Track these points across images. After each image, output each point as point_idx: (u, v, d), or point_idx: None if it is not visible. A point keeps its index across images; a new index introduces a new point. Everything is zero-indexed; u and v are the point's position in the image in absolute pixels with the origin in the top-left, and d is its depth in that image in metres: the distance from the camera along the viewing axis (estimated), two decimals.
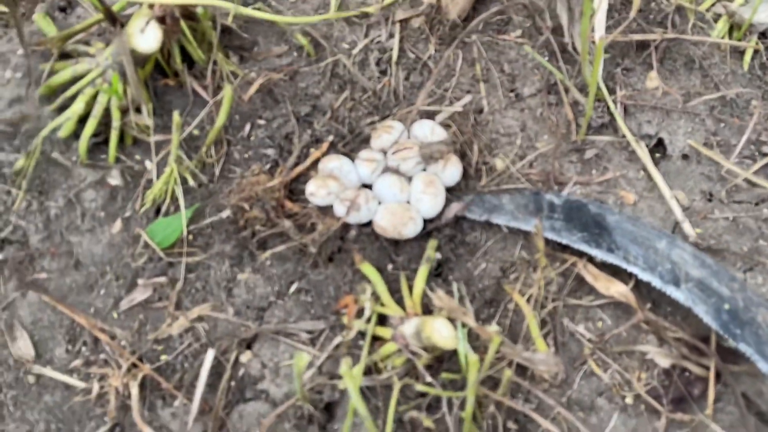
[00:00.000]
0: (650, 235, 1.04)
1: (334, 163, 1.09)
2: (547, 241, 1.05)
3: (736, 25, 1.23)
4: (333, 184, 1.06)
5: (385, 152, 1.12)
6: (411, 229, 1.06)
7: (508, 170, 1.13)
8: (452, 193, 1.11)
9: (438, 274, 1.08)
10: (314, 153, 1.14)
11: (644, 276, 1.01)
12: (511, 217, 1.08)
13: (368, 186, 1.11)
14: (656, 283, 1.01)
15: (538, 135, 1.17)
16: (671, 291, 1.00)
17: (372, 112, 1.18)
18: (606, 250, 1.04)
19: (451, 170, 1.10)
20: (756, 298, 0.99)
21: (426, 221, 1.08)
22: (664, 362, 0.99)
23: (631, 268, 1.02)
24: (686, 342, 0.99)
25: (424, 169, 1.11)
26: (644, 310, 1.02)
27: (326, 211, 1.08)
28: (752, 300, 0.98)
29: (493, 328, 0.88)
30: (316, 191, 1.06)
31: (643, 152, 1.10)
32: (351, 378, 0.75)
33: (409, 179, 1.10)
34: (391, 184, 1.08)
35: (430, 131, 1.12)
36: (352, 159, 1.11)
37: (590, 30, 1.11)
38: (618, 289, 1.02)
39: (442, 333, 0.89)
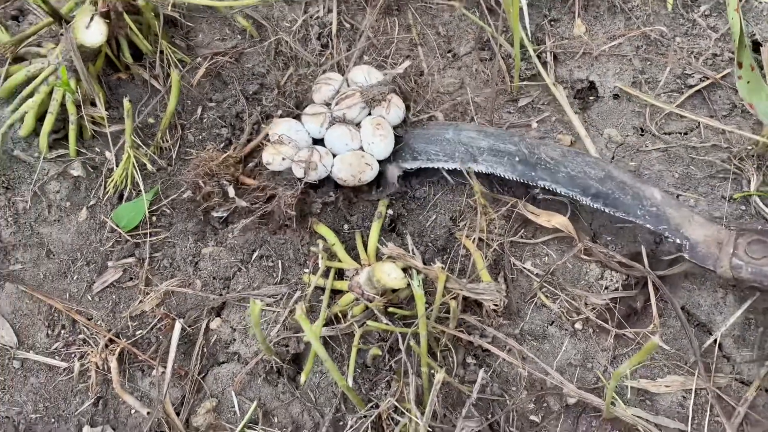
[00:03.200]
0: (438, 131, 1.14)
1: (282, 126, 1.12)
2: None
3: None
4: (285, 149, 1.10)
5: (329, 104, 1.15)
6: (369, 174, 1.10)
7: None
8: (396, 130, 1.15)
9: (392, 229, 1.14)
10: (265, 129, 1.20)
11: (448, 165, 1.12)
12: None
13: (320, 141, 1.14)
14: (459, 166, 1.11)
15: (476, 90, 1.23)
16: (474, 167, 1.11)
17: None
18: (411, 159, 1.14)
19: (395, 110, 1.14)
20: (534, 141, 1.11)
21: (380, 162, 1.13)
22: (603, 296, 1.06)
23: (436, 164, 1.13)
24: (624, 264, 1.05)
25: (369, 114, 1.15)
26: (584, 239, 1.08)
27: (281, 180, 1.14)
28: (532, 144, 1.10)
29: (437, 266, 0.94)
30: (271, 159, 1.10)
31: (560, 95, 1.16)
32: (304, 320, 0.81)
33: (357, 126, 1.14)
34: (341, 134, 1.11)
35: (367, 75, 1.16)
36: (299, 120, 1.15)
37: None
38: (558, 221, 1.09)
39: (390, 275, 0.95)
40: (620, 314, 1.05)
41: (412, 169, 1.15)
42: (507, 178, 1.10)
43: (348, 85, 1.16)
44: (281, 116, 1.20)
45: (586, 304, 1.05)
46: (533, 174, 1.09)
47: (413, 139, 1.15)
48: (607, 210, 1.05)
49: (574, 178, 1.07)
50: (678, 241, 1.02)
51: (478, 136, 1.12)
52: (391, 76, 1.16)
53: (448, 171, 1.14)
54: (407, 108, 1.17)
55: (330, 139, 1.12)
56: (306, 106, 1.22)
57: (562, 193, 1.08)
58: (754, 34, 1.24)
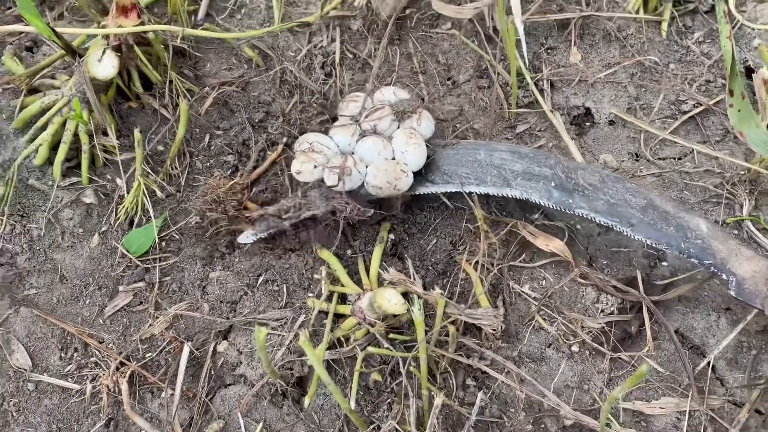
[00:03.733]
0: (469, 152, 1.09)
1: (310, 139, 1.11)
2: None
3: None
4: (317, 156, 1.08)
5: (356, 120, 1.14)
6: (405, 182, 1.09)
7: None
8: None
9: (394, 253, 1.17)
10: (271, 155, 1.24)
11: (480, 190, 1.07)
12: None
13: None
14: (493, 191, 1.06)
15: (474, 116, 1.26)
16: (507, 192, 1.05)
17: (321, 112, 1.27)
18: (442, 183, 1.09)
19: (426, 122, 1.14)
20: (571, 164, 1.06)
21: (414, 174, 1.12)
22: (599, 319, 1.09)
23: (467, 189, 1.07)
24: (619, 289, 1.08)
25: (398, 127, 1.15)
26: (580, 264, 1.11)
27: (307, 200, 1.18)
28: (569, 168, 1.05)
29: (436, 291, 0.98)
30: (302, 168, 1.07)
31: (557, 121, 1.20)
32: (307, 345, 0.84)
33: (388, 139, 1.13)
34: (373, 144, 1.10)
35: (393, 94, 1.17)
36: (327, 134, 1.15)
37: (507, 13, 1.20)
38: (555, 245, 1.12)
39: (391, 301, 0.98)
40: (615, 338, 1.07)
41: (431, 193, 1.12)
42: (542, 204, 1.06)
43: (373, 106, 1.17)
44: (286, 144, 1.24)
45: (582, 327, 1.08)
46: (570, 201, 1.04)
47: (443, 160, 1.11)
48: (648, 242, 1.01)
49: (614, 206, 1.02)
50: (724, 276, 0.98)
51: (511, 157, 1.08)
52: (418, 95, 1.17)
53: (448, 196, 1.17)
54: None
55: (361, 150, 1.11)
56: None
57: (601, 222, 1.03)
58: (746, 60, 1.27)
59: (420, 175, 1.12)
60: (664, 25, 1.31)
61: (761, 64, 1.25)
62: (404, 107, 1.14)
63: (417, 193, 1.13)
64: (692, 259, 1.00)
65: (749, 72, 1.25)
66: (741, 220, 1.12)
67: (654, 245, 1.02)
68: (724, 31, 1.27)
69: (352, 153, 1.12)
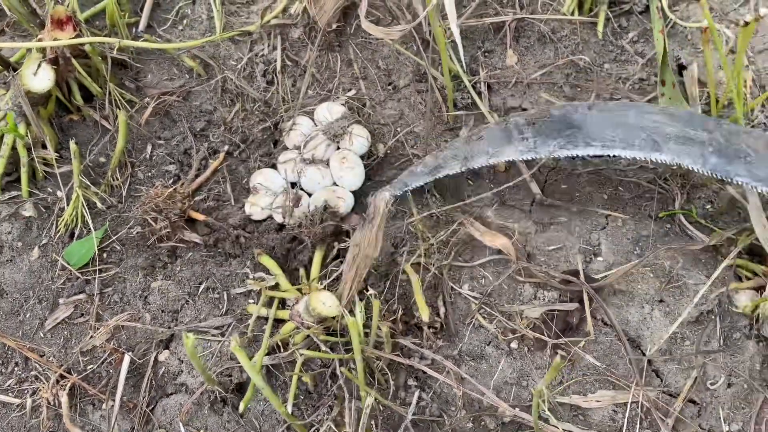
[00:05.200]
0: (618, 113, 1.03)
1: (259, 178, 1.19)
2: (528, 162, 1.14)
3: None
4: (262, 200, 1.17)
5: (299, 148, 1.21)
6: (344, 207, 1.16)
7: (390, 153, 1.24)
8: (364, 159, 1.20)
9: (336, 256, 1.17)
10: (213, 164, 1.24)
11: (627, 153, 1.01)
12: (487, 156, 1.10)
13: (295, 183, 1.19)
14: (640, 155, 1.01)
15: (414, 120, 1.28)
16: (656, 157, 0.99)
17: (263, 119, 1.28)
18: (584, 145, 1.05)
19: (358, 140, 1.19)
20: (733, 127, 0.98)
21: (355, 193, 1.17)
22: (539, 308, 1.10)
23: (613, 152, 1.03)
24: (560, 280, 1.09)
25: (338, 148, 1.20)
26: (521, 258, 1.13)
27: (226, 217, 1.18)
28: (731, 132, 0.97)
29: (370, 292, 0.98)
30: (251, 210, 1.17)
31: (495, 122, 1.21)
32: (239, 351, 0.85)
33: (327, 163, 1.19)
34: (311, 176, 1.17)
35: (328, 112, 1.22)
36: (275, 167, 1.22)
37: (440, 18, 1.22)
38: (501, 242, 1.13)
39: (326, 303, 0.99)
40: (557, 328, 1.09)
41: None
42: (696, 170, 0.99)
43: (315, 124, 1.22)
44: (228, 152, 1.25)
45: (522, 318, 1.09)
46: (728, 168, 0.96)
47: (586, 122, 1.05)
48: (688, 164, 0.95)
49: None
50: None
51: (664, 119, 1.00)
52: (347, 112, 1.21)
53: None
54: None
55: (304, 183, 1.18)
56: (251, 141, 1.27)
57: (764, 192, 0.96)
58: (679, 58, 1.30)
59: (555, 140, 1.06)
60: (600, 26, 1.33)
61: (692, 60, 1.28)
62: (335, 130, 1.19)
63: (558, 156, 1.09)
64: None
65: (681, 69, 1.28)
66: (673, 213, 1.14)
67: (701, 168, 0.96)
68: (657, 25, 1.29)
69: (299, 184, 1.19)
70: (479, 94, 1.27)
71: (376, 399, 0.99)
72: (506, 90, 1.28)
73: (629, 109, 1.04)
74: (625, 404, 1.03)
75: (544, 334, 1.09)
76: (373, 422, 1.01)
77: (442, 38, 1.09)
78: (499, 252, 1.14)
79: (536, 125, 1.09)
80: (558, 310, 1.09)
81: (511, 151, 1.11)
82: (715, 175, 0.99)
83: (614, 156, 1.06)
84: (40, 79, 1.16)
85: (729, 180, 0.98)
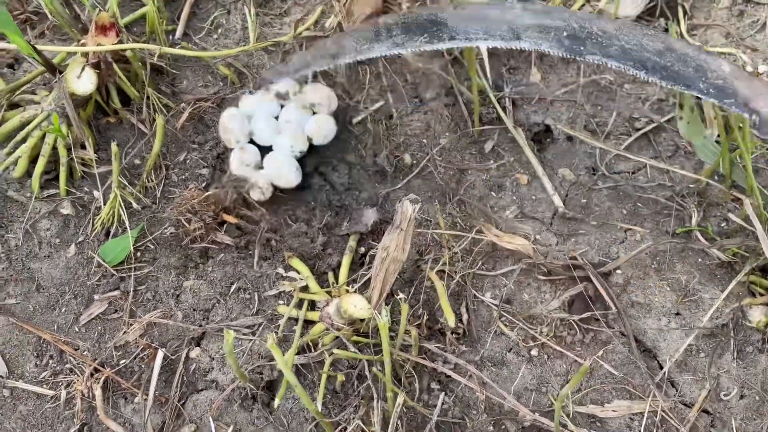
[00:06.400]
0: (482, 11, 1.08)
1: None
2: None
3: None
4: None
5: None
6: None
7: (416, 164, 1.29)
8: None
9: (362, 263, 1.22)
10: None
11: (489, 43, 1.07)
12: (356, 52, 1.14)
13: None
14: (501, 44, 1.06)
15: (440, 133, 1.32)
16: (516, 44, 1.05)
17: None
18: (449, 39, 1.08)
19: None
20: (587, 15, 1.06)
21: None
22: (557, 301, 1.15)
23: (475, 44, 1.08)
24: (573, 278, 1.13)
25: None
26: (538, 255, 1.17)
27: (257, 218, 1.23)
28: (584, 19, 1.04)
29: (399, 296, 1.02)
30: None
31: (520, 137, 1.26)
32: (275, 348, 0.88)
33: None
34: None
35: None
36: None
37: None
38: (519, 242, 1.17)
39: (357, 306, 1.03)
40: (577, 312, 1.12)
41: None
42: (552, 53, 1.05)
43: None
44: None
45: (542, 321, 1.13)
46: (582, 48, 1.03)
47: (451, 17, 1.10)
48: (664, 83, 1.00)
49: (629, 51, 1.01)
50: (746, 115, 0.96)
51: (523, 13, 1.07)
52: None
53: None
54: (376, 154, 1.30)
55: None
56: None
57: (613, 68, 1.02)
58: None
59: (421, 36, 1.10)
60: None
61: None
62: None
63: (418, 49, 1.12)
64: (712, 100, 0.98)
65: None
66: (690, 230, 1.19)
67: (669, 86, 1.00)
68: None
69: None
70: (504, 109, 1.32)
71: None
72: (530, 106, 1.33)
73: (492, 7, 1.10)
74: (642, 413, 1.07)
75: (565, 341, 1.13)
76: (398, 422, 1.05)
77: (471, 56, 1.14)
78: (520, 260, 1.18)
79: (404, 24, 1.13)
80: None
81: (380, 47, 1.13)
82: (570, 55, 1.04)
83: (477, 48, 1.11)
84: (83, 81, 1.21)
85: (582, 58, 1.04)
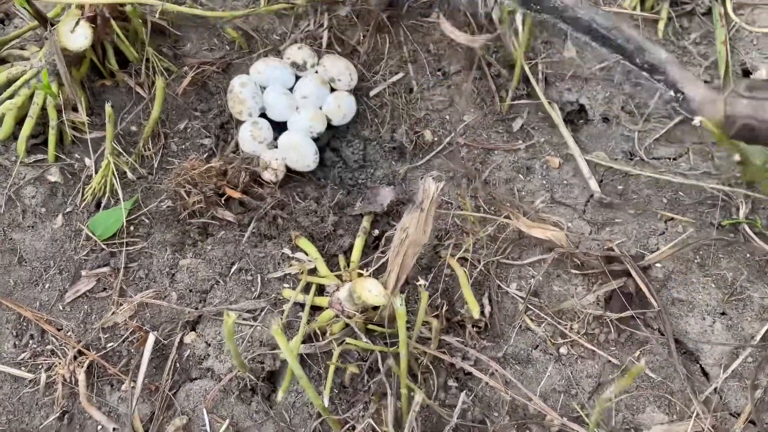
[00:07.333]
0: None
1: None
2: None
3: None
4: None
5: None
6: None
7: (438, 141, 1.18)
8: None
9: (376, 246, 1.11)
10: None
11: None
12: None
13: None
14: None
15: (465, 109, 1.22)
16: None
17: None
18: None
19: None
20: None
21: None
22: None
23: None
24: (610, 272, 1.03)
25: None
26: (570, 244, 1.06)
27: (262, 194, 1.12)
28: None
29: (420, 282, 0.92)
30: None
31: (556, 115, 1.15)
32: (280, 335, 0.78)
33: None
34: None
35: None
36: None
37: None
38: (551, 233, 1.06)
39: (372, 291, 0.93)
40: (615, 310, 1.02)
41: None
42: (506, 3, 1.09)
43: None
44: None
45: (571, 328, 1.03)
46: (539, 6, 1.08)
47: None
48: (604, 50, 1.09)
49: (579, 21, 1.08)
50: (671, 93, 1.05)
51: None
52: None
53: None
54: (394, 129, 1.20)
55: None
56: None
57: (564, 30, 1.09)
58: (744, 62, 1.24)
59: None
60: (661, 24, 1.28)
61: (758, 66, 1.22)
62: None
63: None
64: (644, 73, 1.07)
65: (746, 74, 1.22)
66: (738, 222, 1.08)
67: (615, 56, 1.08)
68: (720, 35, 1.25)
69: None
70: (537, 82, 1.21)
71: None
72: (563, 83, 1.22)
73: None
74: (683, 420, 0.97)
75: (597, 339, 1.03)
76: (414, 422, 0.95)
77: (507, 21, 1.03)
78: (550, 250, 1.07)
79: None
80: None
81: None
82: (525, 9, 1.08)
83: None
84: (77, 36, 1.10)
85: (540, 15, 1.08)
